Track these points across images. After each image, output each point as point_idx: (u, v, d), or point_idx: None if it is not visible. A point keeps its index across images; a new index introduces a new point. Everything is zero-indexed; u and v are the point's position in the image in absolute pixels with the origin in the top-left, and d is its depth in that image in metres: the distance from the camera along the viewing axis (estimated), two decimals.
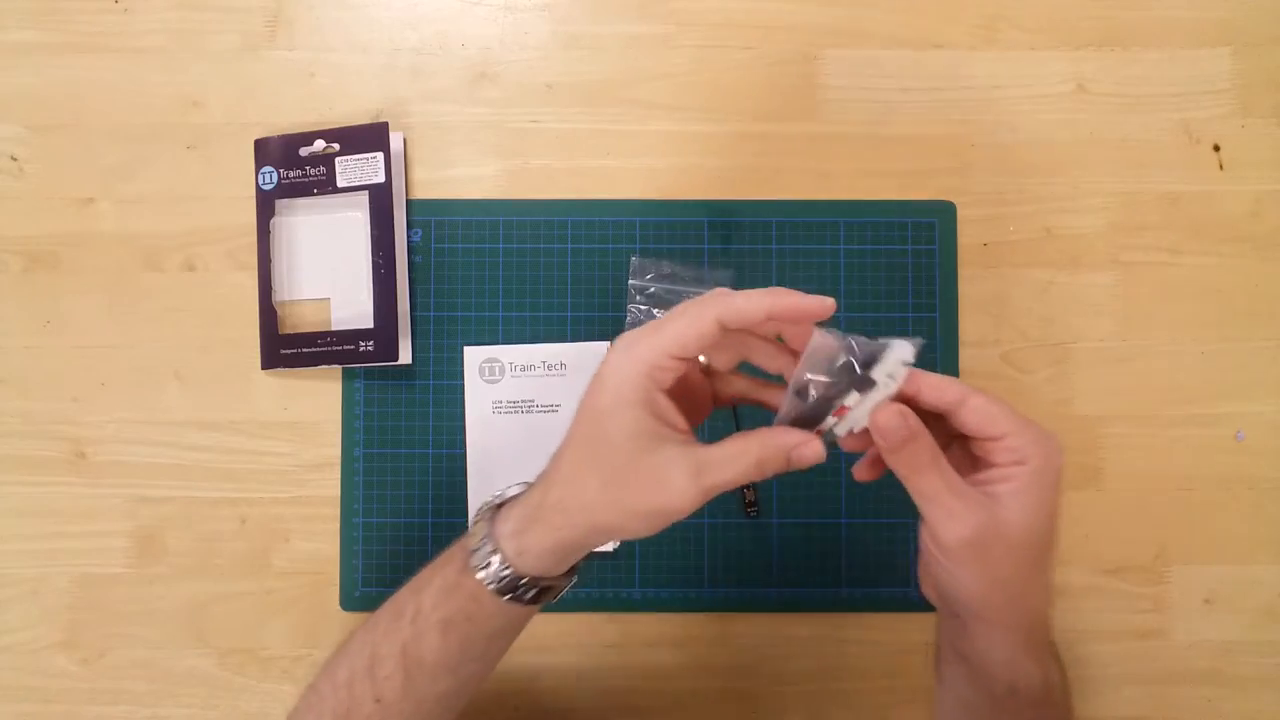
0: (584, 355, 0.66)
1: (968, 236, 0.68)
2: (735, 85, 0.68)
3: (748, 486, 0.66)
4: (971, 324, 0.68)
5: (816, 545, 0.66)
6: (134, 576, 0.66)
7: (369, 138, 0.66)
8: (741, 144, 0.68)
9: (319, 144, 0.67)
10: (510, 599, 0.44)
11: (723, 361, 0.45)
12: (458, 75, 0.69)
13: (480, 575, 0.44)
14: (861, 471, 0.45)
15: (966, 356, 0.67)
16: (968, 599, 0.42)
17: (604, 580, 0.66)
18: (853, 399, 0.41)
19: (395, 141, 0.67)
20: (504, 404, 0.66)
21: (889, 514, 0.66)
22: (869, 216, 0.68)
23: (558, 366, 0.66)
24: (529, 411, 0.66)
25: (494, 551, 0.44)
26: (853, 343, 0.40)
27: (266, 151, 0.67)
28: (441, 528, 0.66)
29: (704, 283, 0.66)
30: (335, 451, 0.67)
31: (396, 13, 0.69)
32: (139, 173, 0.68)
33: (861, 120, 0.68)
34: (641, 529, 0.41)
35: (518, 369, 0.67)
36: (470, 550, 0.45)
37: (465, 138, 0.68)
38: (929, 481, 0.40)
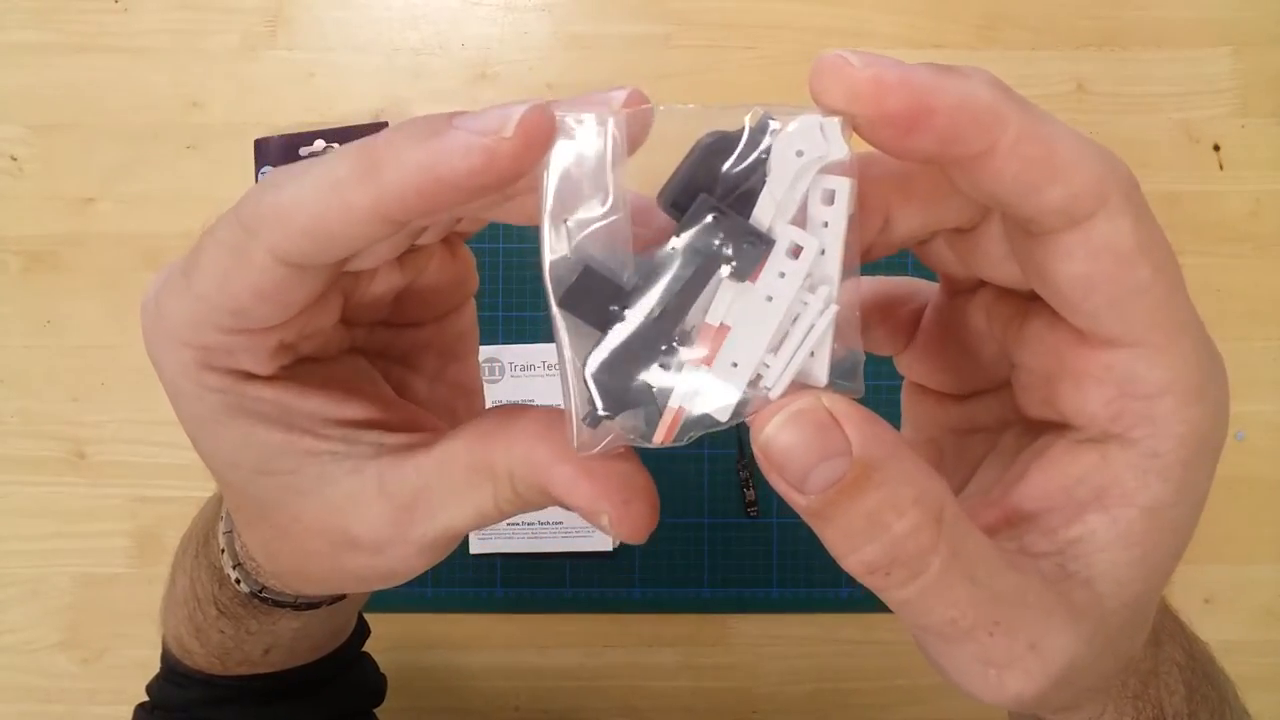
0: None
1: None
2: (735, 85, 0.68)
3: (748, 485, 0.66)
4: None
5: (816, 545, 0.66)
6: (134, 576, 0.66)
7: None
8: None
9: (319, 144, 0.67)
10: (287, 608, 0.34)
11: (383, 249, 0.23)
12: (458, 75, 0.69)
13: (239, 586, 0.33)
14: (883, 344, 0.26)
15: None
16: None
17: (604, 580, 0.66)
18: (722, 300, 0.19)
19: None
20: (504, 404, 0.66)
21: None
22: None
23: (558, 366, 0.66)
24: None
25: (236, 565, 0.33)
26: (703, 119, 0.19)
27: (266, 151, 0.67)
28: None
29: None
30: None
31: (396, 13, 0.69)
32: (139, 173, 0.68)
33: None
34: (373, 585, 0.25)
35: (518, 369, 0.66)
36: (220, 551, 0.34)
37: None
38: (932, 600, 0.20)
